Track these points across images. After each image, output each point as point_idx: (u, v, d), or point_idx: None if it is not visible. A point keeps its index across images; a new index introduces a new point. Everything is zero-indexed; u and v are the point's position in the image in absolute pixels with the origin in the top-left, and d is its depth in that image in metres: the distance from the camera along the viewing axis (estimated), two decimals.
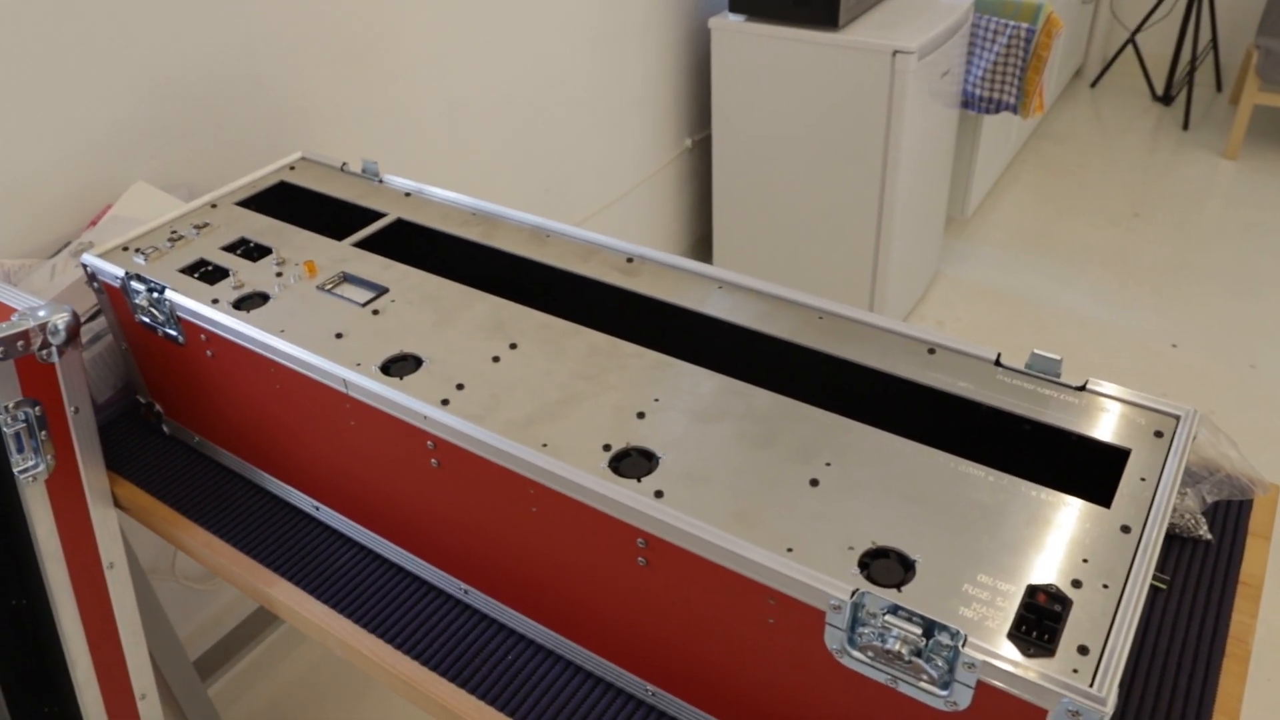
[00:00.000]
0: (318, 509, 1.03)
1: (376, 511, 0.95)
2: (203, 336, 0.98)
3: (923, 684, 0.63)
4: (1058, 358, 0.80)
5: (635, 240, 0.90)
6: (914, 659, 0.62)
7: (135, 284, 1.01)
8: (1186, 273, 2.85)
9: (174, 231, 1.10)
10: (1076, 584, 0.64)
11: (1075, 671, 0.59)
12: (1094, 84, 4.16)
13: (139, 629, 1.15)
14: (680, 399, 0.80)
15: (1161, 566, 0.93)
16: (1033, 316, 2.69)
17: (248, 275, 1.01)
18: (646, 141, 2.46)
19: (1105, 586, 0.64)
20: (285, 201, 1.19)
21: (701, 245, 2.85)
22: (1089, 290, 2.79)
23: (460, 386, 0.83)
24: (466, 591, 0.92)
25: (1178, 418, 0.76)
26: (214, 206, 1.15)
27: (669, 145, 2.56)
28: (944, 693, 0.62)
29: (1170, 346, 2.55)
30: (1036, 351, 0.81)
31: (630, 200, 2.48)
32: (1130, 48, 4.12)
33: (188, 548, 1.05)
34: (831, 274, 2.46)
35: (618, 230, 2.47)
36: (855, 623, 0.64)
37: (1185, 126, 3.71)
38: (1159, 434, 0.76)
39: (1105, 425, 0.76)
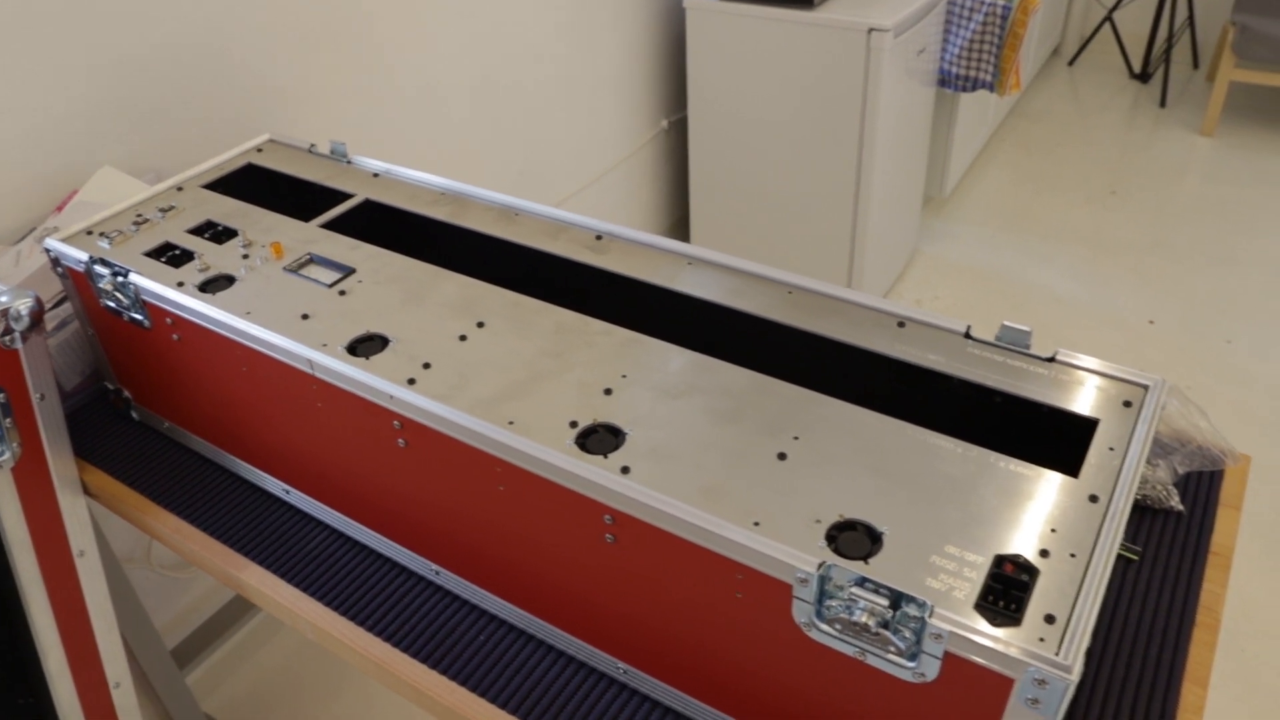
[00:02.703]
0: (288, 492, 1.02)
1: (346, 494, 0.95)
2: (169, 320, 0.97)
3: (890, 656, 0.63)
4: (1027, 329, 0.80)
5: (613, 222, 0.90)
6: (881, 631, 0.62)
7: (99, 268, 1.00)
8: (1163, 249, 2.86)
9: (139, 215, 1.08)
10: (1044, 554, 0.64)
11: (1041, 640, 0.59)
12: (1071, 62, 4.16)
13: (111, 617, 1.14)
14: (648, 375, 0.79)
15: (1133, 537, 0.93)
16: (1011, 294, 2.70)
17: (213, 258, 1.00)
18: (622, 123, 2.45)
19: (1073, 556, 0.64)
20: (252, 183, 1.17)
21: (679, 226, 2.84)
22: (1067, 268, 2.80)
23: (427, 366, 0.82)
24: (438, 572, 0.91)
25: (1146, 387, 0.76)
26: (180, 189, 1.14)
27: (645, 126, 2.55)
28: (912, 664, 0.62)
29: (1148, 323, 2.56)
30: (1006, 323, 0.81)
31: (607, 182, 2.47)
32: (1107, 25, 4.12)
33: (158, 534, 1.04)
34: (809, 253, 2.45)
35: (594, 212, 2.46)
36: (822, 596, 0.64)
37: (1162, 104, 3.72)
38: (1128, 404, 0.76)
39: (1074, 396, 0.76)
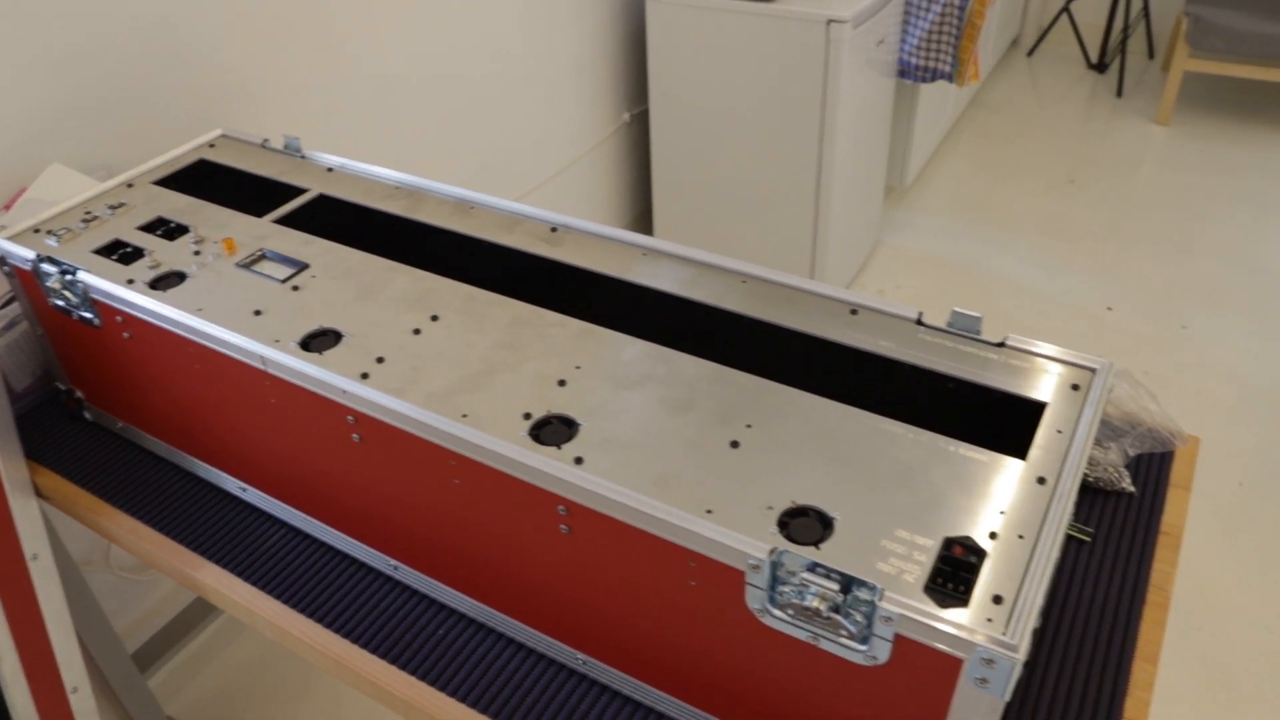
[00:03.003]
0: (244, 490, 1.01)
1: (303, 490, 0.94)
2: (119, 318, 0.96)
3: (842, 639, 0.63)
4: (978, 315, 0.81)
5: (576, 217, 0.90)
6: (833, 615, 0.62)
7: (47, 266, 0.98)
8: (1121, 237, 2.90)
9: (88, 212, 1.07)
10: (993, 535, 0.65)
11: (989, 621, 0.60)
12: (1030, 53, 4.20)
13: (68, 621, 1.12)
14: (602, 366, 0.79)
15: (1085, 519, 0.94)
16: (972, 283, 2.72)
17: (164, 255, 0.99)
18: (583, 116, 2.45)
19: (1021, 537, 0.65)
20: (204, 180, 1.16)
21: (642, 220, 2.84)
22: (1027, 256, 2.83)
23: (381, 360, 0.81)
24: (396, 568, 0.91)
25: (1094, 370, 0.78)
26: (130, 186, 1.12)
27: (606, 120, 2.55)
28: (863, 647, 0.63)
29: (1105, 310, 2.59)
30: (957, 310, 0.82)
31: (569, 176, 2.47)
32: (1065, 17, 4.17)
33: (113, 535, 1.03)
34: (772, 245, 2.46)
35: (556, 207, 2.45)
36: (775, 582, 0.64)
37: (1119, 94, 3.77)
38: (1076, 387, 0.77)
39: (1024, 380, 0.77)
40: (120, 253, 1.00)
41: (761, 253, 2.48)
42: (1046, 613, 0.85)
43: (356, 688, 0.87)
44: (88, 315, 0.99)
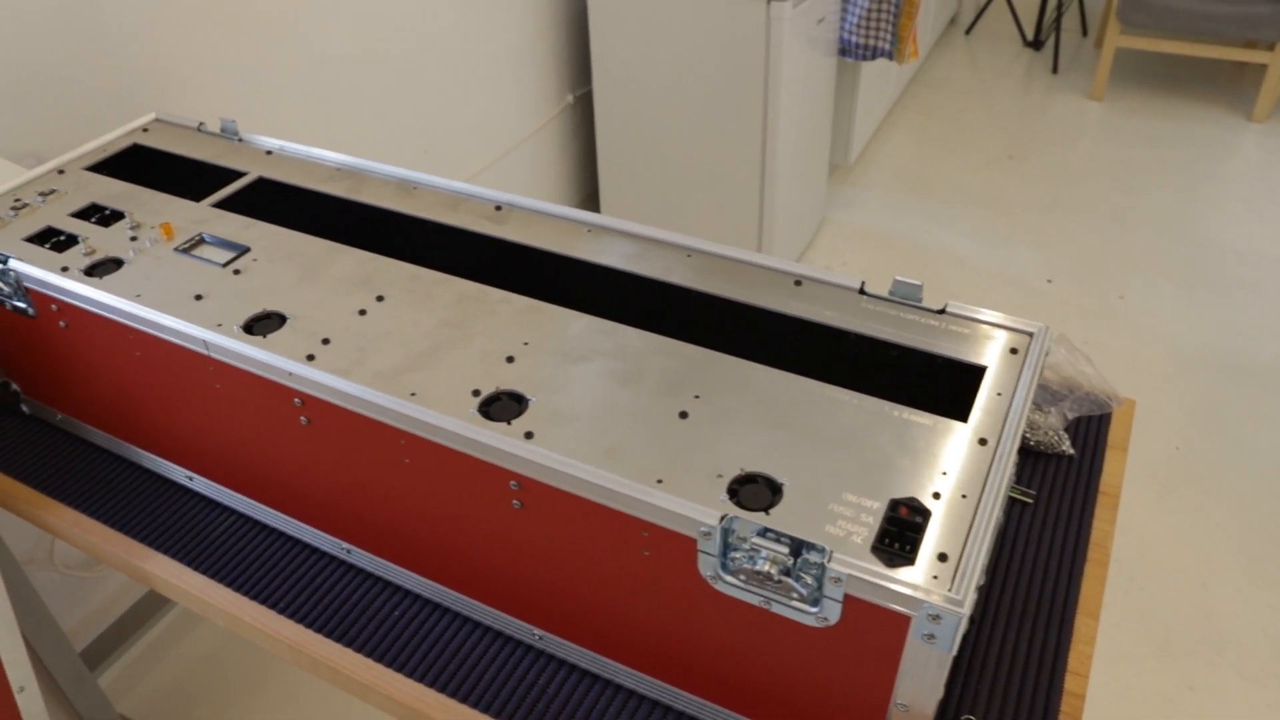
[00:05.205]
0: (191, 479, 1.00)
1: (251, 476, 0.93)
2: (54, 307, 0.94)
3: (794, 602, 0.64)
4: (919, 283, 0.83)
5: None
6: (784, 578, 0.63)
7: None
8: (1059, 210, 2.96)
9: (18, 200, 1.04)
10: (937, 496, 0.66)
11: (935, 578, 0.61)
12: (968, 31, 4.25)
13: (11, 620, 1.10)
14: (549, 341, 0.80)
15: (1027, 481, 0.97)
16: (916, 257, 2.76)
17: (99, 241, 0.97)
18: (526, 98, 2.43)
19: (964, 497, 0.66)
20: (139, 165, 1.14)
21: (590, 201, 2.84)
22: (968, 230, 2.87)
23: (326, 341, 0.81)
24: (349, 551, 0.91)
25: (1031, 334, 0.79)
26: (61, 173, 1.09)
27: (550, 101, 2.54)
28: (814, 609, 0.64)
29: (1045, 282, 2.65)
30: (899, 278, 0.83)
31: (514, 159, 2.45)
32: None
33: (56, 529, 1.01)
34: (719, 224, 2.47)
35: (502, 189, 2.43)
36: (726, 548, 0.65)
37: (1055, 70, 3.83)
38: (1014, 351, 0.78)
39: (964, 346, 0.79)
40: (53, 240, 0.98)
41: (708, 233, 2.49)
42: (991, 572, 0.88)
43: (313, 673, 0.87)
44: (21, 305, 0.96)
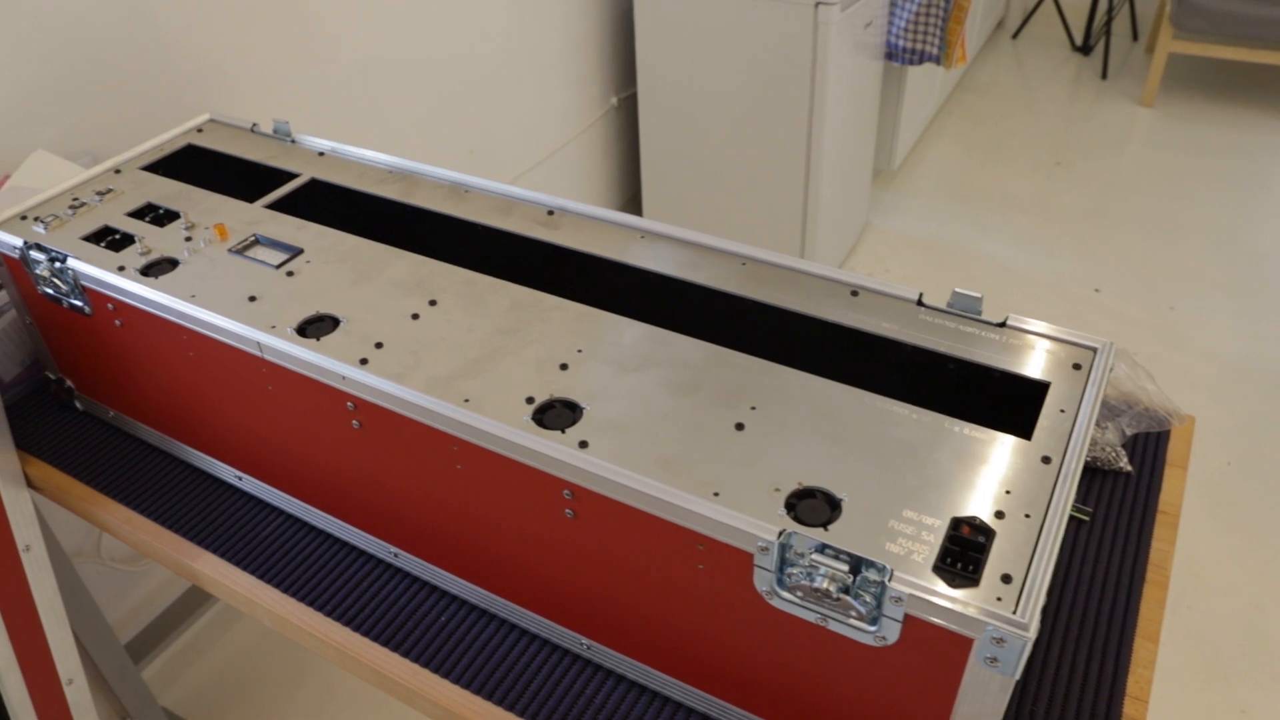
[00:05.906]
0: (240, 479, 1.00)
1: (300, 478, 0.93)
2: (110, 306, 0.95)
3: (852, 620, 0.63)
4: (978, 295, 0.81)
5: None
6: (842, 596, 0.62)
7: (35, 254, 0.97)
8: (1107, 218, 2.91)
9: (76, 199, 1.05)
10: (1000, 515, 0.65)
11: (999, 600, 0.59)
12: (1015, 35, 4.20)
13: (61, 613, 1.11)
14: (603, 349, 0.79)
15: (1084, 498, 0.95)
16: (960, 265, 2.73)
17: (155, 241, 0.97)
18: (571, 100, 2.43)
19: (1027, 516, 0.65)
20: (193, 165, 1.15)
21: (632, 203, 2.83)
22: (1014, 238, 2.83)
23: (379, 345, 0.81)
24: (396, 554, 0.90)
25: (1094, 350, 0.78)
26: (118, 172, 1.10)
27: (595, 103, 2.53)
28: (873, 628, 0.63)
29: (1093, 291, 2.60)
30: (958, 290, 0.82)
31: (558, 160, 2.45)
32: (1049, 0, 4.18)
33: (107, 525, 1.02)
34: (762, 229, 2.46)
35: (546, 191, 2.43)
36: (783, 564, 0.64)
37: (1104, 76, 3.77)
38: (1077, 366, 0.77)
39: (1025, 360, 0.77)
40: (110, 239, 0.99)
41: (751, 236, 2.48)
42: (1050, 592, 0.86)
43: (359, 676, 0.87)
44: (78, 303, 0.97)
